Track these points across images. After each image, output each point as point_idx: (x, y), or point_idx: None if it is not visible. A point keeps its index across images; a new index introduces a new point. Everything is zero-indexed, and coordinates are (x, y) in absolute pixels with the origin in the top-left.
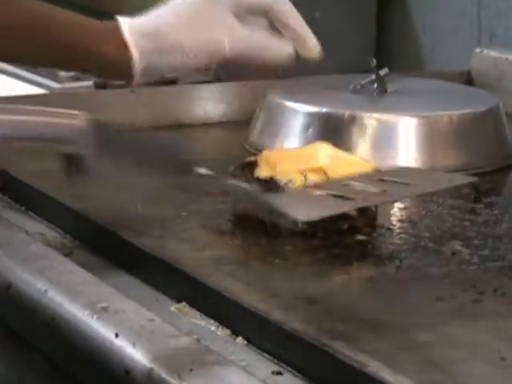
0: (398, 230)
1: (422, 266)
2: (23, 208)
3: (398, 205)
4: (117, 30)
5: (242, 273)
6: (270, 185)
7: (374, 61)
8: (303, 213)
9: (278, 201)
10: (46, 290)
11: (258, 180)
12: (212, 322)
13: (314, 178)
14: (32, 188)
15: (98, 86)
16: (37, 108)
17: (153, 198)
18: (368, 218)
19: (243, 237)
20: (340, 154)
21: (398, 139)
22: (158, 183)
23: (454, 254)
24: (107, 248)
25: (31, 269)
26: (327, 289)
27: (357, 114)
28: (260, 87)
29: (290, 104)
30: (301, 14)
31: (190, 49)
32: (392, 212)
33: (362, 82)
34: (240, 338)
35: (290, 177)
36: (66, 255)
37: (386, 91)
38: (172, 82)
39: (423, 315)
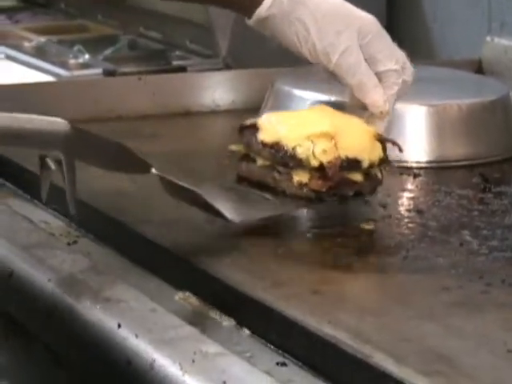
0: (405, 220)
1: (429, 257)
2: (28, 196)
3: (406, 194)
4: None
5: (246, 262)
6: (277, 150)
7: None
8: (237, 214)
9: (219, 201)
10: (48, 280)
11: (264, 144)
12: (216, 312)
13: (321, 143)
14: (37, 176)
15: (106, 74)
16: (17, 114)
17: (155, 185)
18: (373, 183)
19: (247, 226)
20: (342, 117)
21: (407, 128)
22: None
23: (461, 244)
24: (111, 236)
25: (34, 257)
26: (332, 279)
27: None
28: (268, 75)
29: (298, 92)
30: None
31: (312, 39)
32: (400, 202)
33: None
34: (245, 329)
35: (297, 142)
36: (70, 244)
37: None
38: (181, 69)
39: (429, 306)
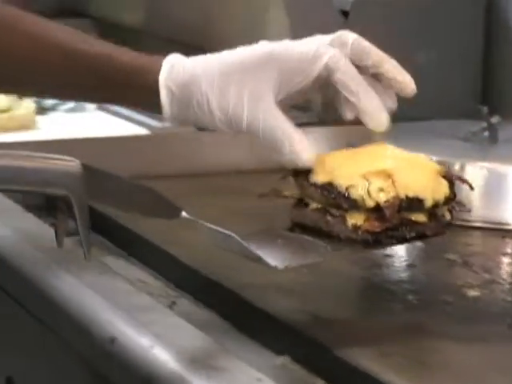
0: (508, 286)
1: None
2: (125, 253)
3: (509, 259)
4: (155, 70)
5: (351, 331)
6: (329, 191)
7: (485, 108)
8: (282, 260)
9: (257, 247)
10: (151, 346)
11: (315, 186)
12: (319, 379)
13: (378, 182)
14: (134, 233)
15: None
16: (28, 153)
17: None
18: (440, 224)
19: (348, 291)
20: (404, 154)
21: (509, 190)
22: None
23: None
24: (211, 298)
25: (136, 322)
26: (437, 348)
27: (467, 164)
28: (366, 132)
29: None
30: (401, 54)
31: (214, 111)
32: (503, 266)
33: (473, 130)
34: None
35: (351, 181)
36: (169, 306)
37: (497, 140)
38: None
39: None
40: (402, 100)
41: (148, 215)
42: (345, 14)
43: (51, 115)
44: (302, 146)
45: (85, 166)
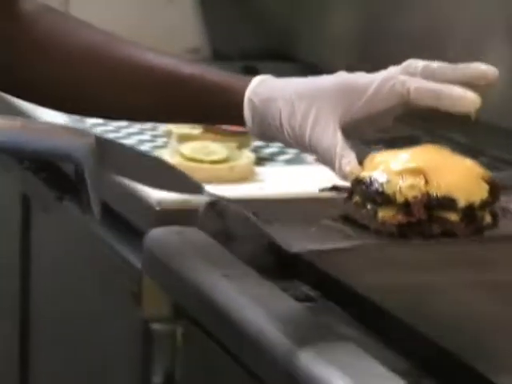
0: None
1: None
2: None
3: None
4: (243, 87)
5: None
6: (367, 186)
7: None
8: (297, 244)
9: (277, 231)
10: None
11: (357, 180)
12: None
13: (411, 179)
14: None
15: None
16: (44, 123)
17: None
18: (473, 226)
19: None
20: (450, 156)
21: None
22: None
23: None
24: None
25: None
26: None
27: None
28: None
29: None
30: None
31: (284, 126)
32: None
33: None
34: None
35: (387, 178)
36: None
37: None
38: None
39: None
40: None
41: (168, 189)
42: None
43: (269, 166)
44: (346, 161)
45: (100, 139)
